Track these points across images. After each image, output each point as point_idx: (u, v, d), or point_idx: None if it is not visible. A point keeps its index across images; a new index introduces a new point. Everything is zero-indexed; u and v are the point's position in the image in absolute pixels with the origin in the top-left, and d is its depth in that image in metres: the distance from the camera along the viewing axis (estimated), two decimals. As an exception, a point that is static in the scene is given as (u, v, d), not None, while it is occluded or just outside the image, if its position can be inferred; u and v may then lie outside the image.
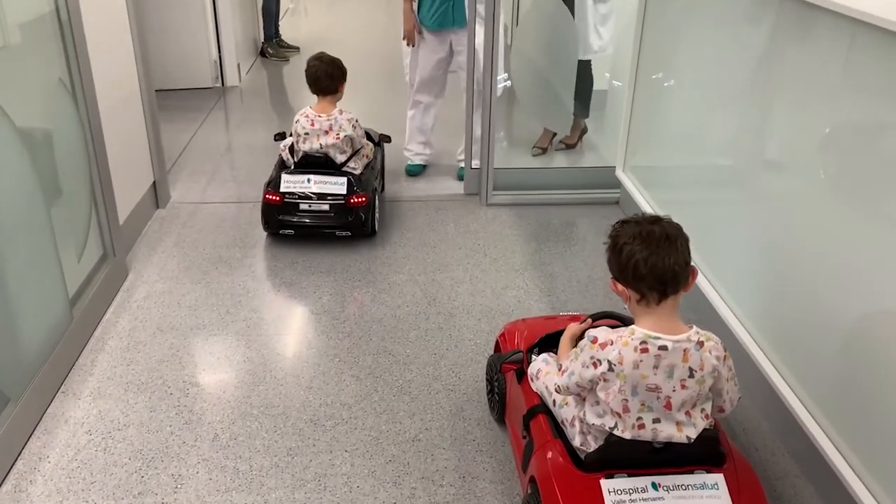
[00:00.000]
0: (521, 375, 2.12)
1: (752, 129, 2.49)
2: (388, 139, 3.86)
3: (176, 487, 2.12)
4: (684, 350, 1.66)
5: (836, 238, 2.04)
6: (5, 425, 2.17)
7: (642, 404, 1.68)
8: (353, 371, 2.61)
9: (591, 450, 1.78)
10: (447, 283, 3.15)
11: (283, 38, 6.89)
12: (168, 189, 3.89)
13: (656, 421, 1.69)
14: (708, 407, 1.75)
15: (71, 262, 2.71)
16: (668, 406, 1.68)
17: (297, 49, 6.83)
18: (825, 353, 2.06)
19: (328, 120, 3.39)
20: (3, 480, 2.14)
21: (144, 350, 2.71)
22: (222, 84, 5.92)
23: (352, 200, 3.34)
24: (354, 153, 3.49)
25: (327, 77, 3.41)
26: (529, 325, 2.34)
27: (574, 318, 2.18)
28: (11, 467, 2.19)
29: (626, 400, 1.68)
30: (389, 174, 4.09)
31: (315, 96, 3.48)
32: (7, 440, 2.18)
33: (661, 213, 3.39)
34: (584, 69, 4.18)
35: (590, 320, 2.05)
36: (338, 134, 3.39)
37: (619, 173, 3.73)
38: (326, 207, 3.35)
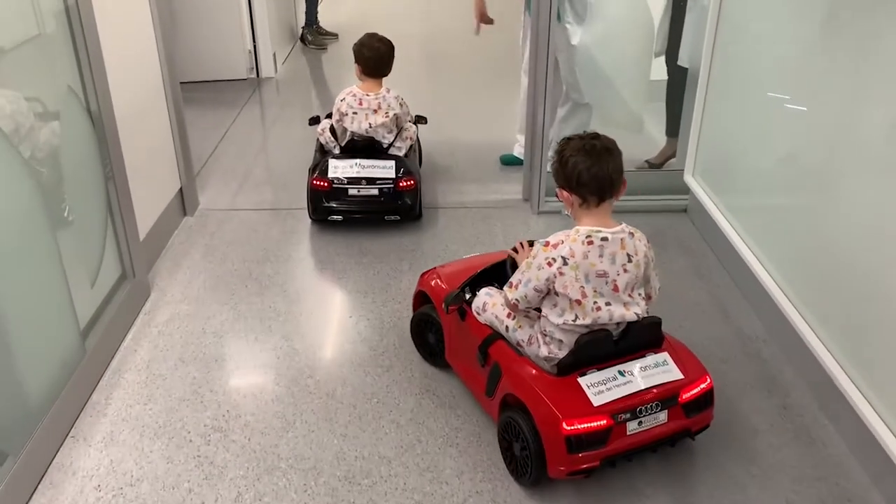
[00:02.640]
0: (464, 314, 2.27)
1: (836, 127, 2.15)
2: (423, 120, 3.69)
3: (191, 561, 1.87)
4: (621, 239, 1.97)
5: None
6: (3, 483, 1.92)
7: (595, 290, 1.95)
8: (393, 415, 2.32)
9: (560, 357, 2.00)
10: (497, 306, 2.83)
11: (321, 24, 6.57)
12: (196, 195, 3.63)
13: (608, 304, 1.96)
14: (643, 291, 2.05)
15: (83, 288, 2.46)
16: (616, 289, 1.96)
17: (335, 36, 6.52)
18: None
19: (377, 98, 3.36)
20: (0, 547, 1.91)
21: (164, 385, 2.45)
22: (257, 75, 5.63)
23: (401, 184, 3.26)
24: (398, 132, 3.39)
25: (391, 59, 3.39)
26: (448, 271, 2.49)
27: (490, 257, 2.46)
28: (11, 531, 1.95)
29: (583, 287, 1.94)
30: (424, 165, 3.83)
31: (359, 79, 3.42)
32: (6, 499, 1.94)
33: (735, 223, 3.02)
34: (682, 79, 3.62)
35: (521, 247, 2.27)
36: (386, 112, 3.36)
37: (688, 178, 3.36)
38: (376, 192, 3.27)
